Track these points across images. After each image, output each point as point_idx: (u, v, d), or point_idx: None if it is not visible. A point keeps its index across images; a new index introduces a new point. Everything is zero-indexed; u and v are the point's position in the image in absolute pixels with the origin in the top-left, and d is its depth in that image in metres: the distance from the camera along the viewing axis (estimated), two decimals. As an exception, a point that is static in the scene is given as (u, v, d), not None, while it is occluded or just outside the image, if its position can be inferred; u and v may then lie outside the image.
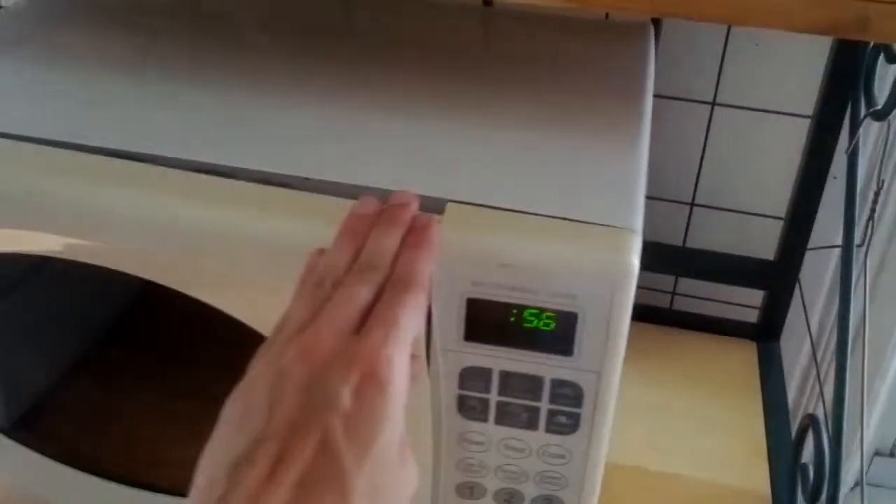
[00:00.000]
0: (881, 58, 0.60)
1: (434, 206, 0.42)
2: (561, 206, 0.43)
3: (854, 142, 0.60)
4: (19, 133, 0.47)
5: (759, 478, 0.69)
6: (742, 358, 0.81)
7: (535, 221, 0.42)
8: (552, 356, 0.43)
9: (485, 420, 0.46)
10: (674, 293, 0.88)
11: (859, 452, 0.69)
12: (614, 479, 0.61)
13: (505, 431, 0.46)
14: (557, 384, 0.44)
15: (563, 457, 0.47)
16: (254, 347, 0.37)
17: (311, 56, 0.57)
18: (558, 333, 0.43)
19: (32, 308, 0.56)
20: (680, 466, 0.70)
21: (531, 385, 0.45)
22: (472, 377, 0.45)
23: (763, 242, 0.81)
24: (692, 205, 0.84)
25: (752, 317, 0.85)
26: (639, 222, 0.43)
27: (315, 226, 0.42)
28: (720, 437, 0.72)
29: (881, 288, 0.81)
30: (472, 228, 0.42)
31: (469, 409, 0.46)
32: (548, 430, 0.46)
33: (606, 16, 0.65)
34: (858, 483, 0.62)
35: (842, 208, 0.66)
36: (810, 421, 0.61)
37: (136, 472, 0.57)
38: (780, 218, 0.80)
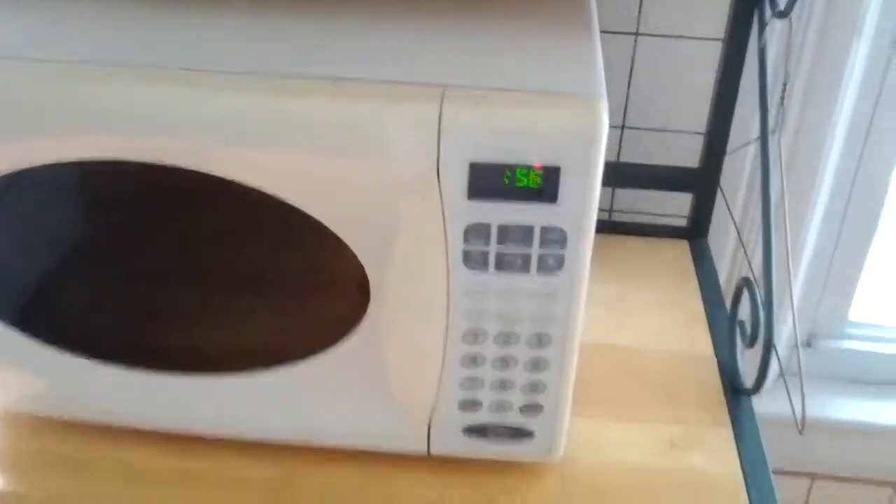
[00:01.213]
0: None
1: (436, 90, 0.52)
2: (541, 83, 0.53)
3: (762, 40, 0.72)
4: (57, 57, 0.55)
5: (702, 342, 0.80)
6: (677, 255, 0.93)
7: (522, 96, 0.52)
8: (541, 206, 0.53)
9: (486, 270, 0.56)
10: (611, 209, 1.00)
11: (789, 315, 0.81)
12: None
13: (503, 277, 0.56)
14: (545, 231, 0.54)
15: (551, 294, 0.57)
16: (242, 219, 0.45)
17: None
18: (545, 187, 0.53)
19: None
20: (632, 340, 0.81)
21: (524, 234, 0.55)
22: (475, 232, 0.55)
23: (688, 154, 0.93)
24: (622, 127, 0.95)
25: (682, 222, 0.96)
26: (603, 90, 0.53)
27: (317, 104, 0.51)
28: (664, 315, 0.84)
29: (796, 163, 0.93)
30: (470, 106, 0.52)
31: (473, 261, 0.56)
32: (539, 272, 0.56)
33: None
34: (795, 346, 0.73)
35: (751, 119, 0.78)
36: (745, 282, 0.73)
37: (139, 354, 0.65)
38: (700, 133, 0.92)
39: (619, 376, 0.77)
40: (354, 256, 0.57)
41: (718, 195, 0.93)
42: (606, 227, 0.97)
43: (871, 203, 1.00)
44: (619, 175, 0.95)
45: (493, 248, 0.55)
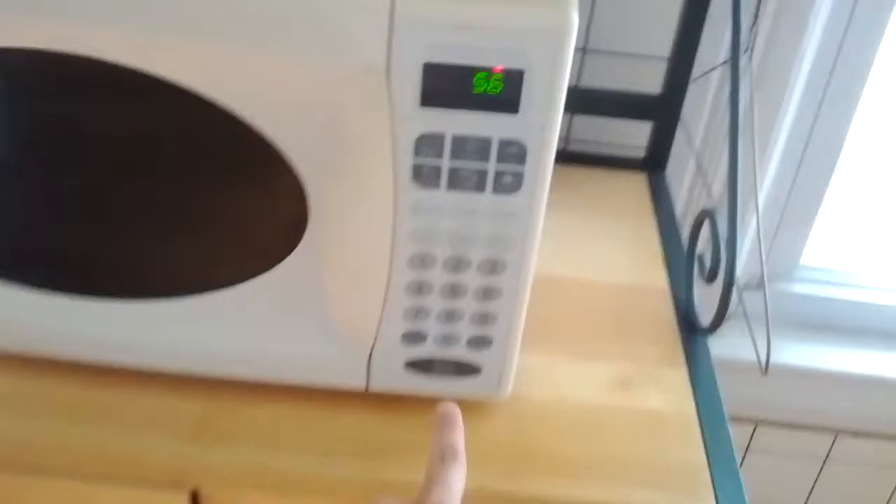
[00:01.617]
0: None
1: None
2: (505, -25, 0.47)
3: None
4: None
5: (657, 277, 0.76)
6: (634, 187, 0.88)
7: (485, -11, 0.46)
8: (501, 116, 0.48)
9: (437, 187, 0.51)
10: (568, 137, 0.95)
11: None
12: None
13: (456, 196, 0.51)
14: (504, 144, 0.49)
15: (507, 215, 0.51)
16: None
17: None
18: (506, 94, 0.47)
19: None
20: (587, 273, 0.76)
21: (480, 147, 0.49)
22: (427, 144, 0.49)
23: (650, 81, 0.88)
24: (584, 49, 0.89)
25: (640, 153, 0.92)
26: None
27: None
28: (618, 249, 0.80)
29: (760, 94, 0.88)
30: (427, 2, 0.46)
31: (423, 176, 0.50)
32: (494, 191, 0.51)
33: None
34: (762, 282, 0.69)
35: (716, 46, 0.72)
36: (706, 214, 0.69)
37: (47, 277, 0.58)
38: (664, 58, 0.87)
39: (569, 310, 0.73)
40: (292, 169, 0.51)
41: (679, 127, 0.88)
42: (562, 156, 0.91)
43: (831, 144, 0.96)
44: (577, 100, 0.90)
45: (446, 163, 0.50)
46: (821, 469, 1.17)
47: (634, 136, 0.92)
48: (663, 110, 0.87)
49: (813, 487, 1.19)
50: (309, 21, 0.46)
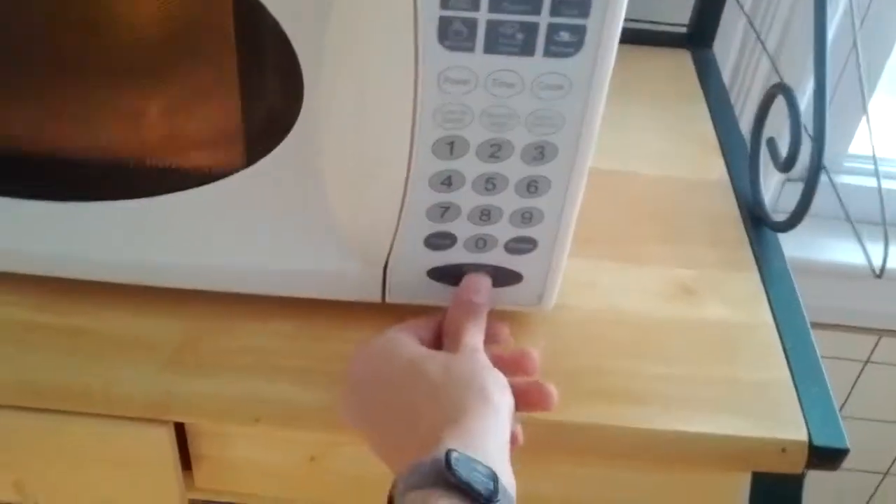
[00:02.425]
0: None
1: None
2: None
3: None
4: None
5: (714, 167, 0.66)
6: (677, 65, 0.77)
7: None
8: (556, -51, 0.36)
9: (471, 49, 0.39)
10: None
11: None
12: None
13: (495, 61, 0.40)
14: (560, -11, 0.38)
15: (560, 87, 0.41)
16: None
17: None
18: (563, -80, 0.36)
19: None
20: (631, 165, 0.66)
21: (528, -5, 0.38)
22: (458, -9, 0.38)
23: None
24: None
25: (682, 28, 0.80)
26: None
27: None
28: (666, 136, 0.69)
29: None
30: None
31: (453, 35, 0.39)
32: (546, 54, 0.39)
33: None
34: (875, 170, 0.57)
35: None
36: (779, 89, 0.58)
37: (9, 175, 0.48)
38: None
39: (615, 208, 0.62)
40: (281, 31, 0.40)
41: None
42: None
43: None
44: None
45: (482, 17, 0.38)
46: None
47: (673, 7, 0.80)
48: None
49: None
50: None
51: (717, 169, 0.66)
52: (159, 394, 0.48)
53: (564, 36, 0.39)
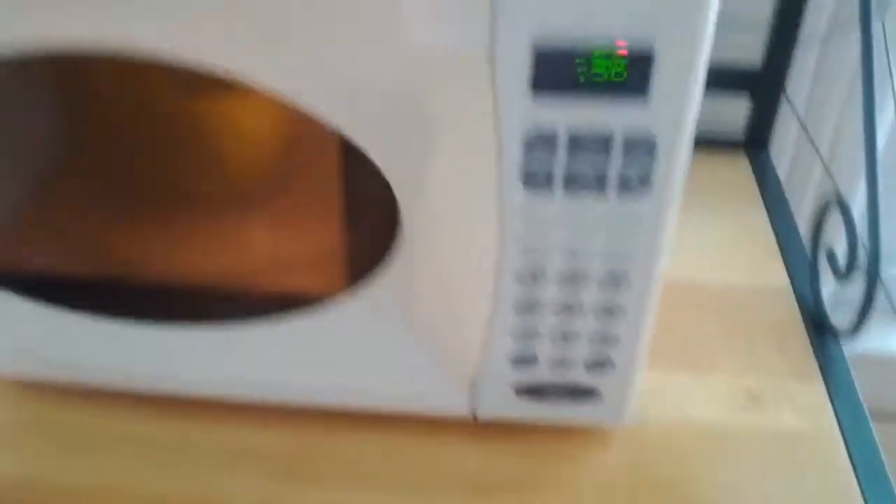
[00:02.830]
0: None
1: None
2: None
3: None
4: None
5: (775, 273, 0.68)
6: (734, 169, 0.80)
7: (603, -43, 0.39)
8: (626, 103, 0.40)
9: (550, 190, 0.43)
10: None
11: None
12: None
13: (572, 201, 0.44)
14: (630, 138, 0.41)
15: (633, 223, 0.44)
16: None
17: None
18: (632, 79, 0.40)
19: None
20: (694, 272, 0.69)
21: (601, 143, 0.42)
22: (538, 140, 0.42)
23: (747, 51, 0.80)
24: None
25: (739, 131, 0.84)
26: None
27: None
28: (728, 243, 0.72)
29: None
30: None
31: (534, 178, 0.43)
32: (619, 195, 0.43)
33: None
34: None
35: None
36: (834, 199, 0.61)
37: (123, 300, 0.53)
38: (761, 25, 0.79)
39: (680, 317, 0.65)
40: (380, 174, 0.44)
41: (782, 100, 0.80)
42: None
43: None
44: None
45: (560, 162, 0.42)
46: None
47: (729, 111, 0.84)
48: (764, 83, 0.78)
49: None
50: (404, 6, 0.39)
51: (778, 274, 0.68)
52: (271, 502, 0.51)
53: (634, 180, 0.43)
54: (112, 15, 0.41)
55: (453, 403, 0.52)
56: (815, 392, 0.59)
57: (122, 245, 0.52)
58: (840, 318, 0.62)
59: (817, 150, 0.81)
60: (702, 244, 0.72)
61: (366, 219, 0.47)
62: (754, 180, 0.79)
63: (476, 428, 0.54)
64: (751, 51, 0.79)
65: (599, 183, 0.43)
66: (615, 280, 0.46)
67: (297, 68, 0.41)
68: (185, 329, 0.52)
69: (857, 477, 0.53)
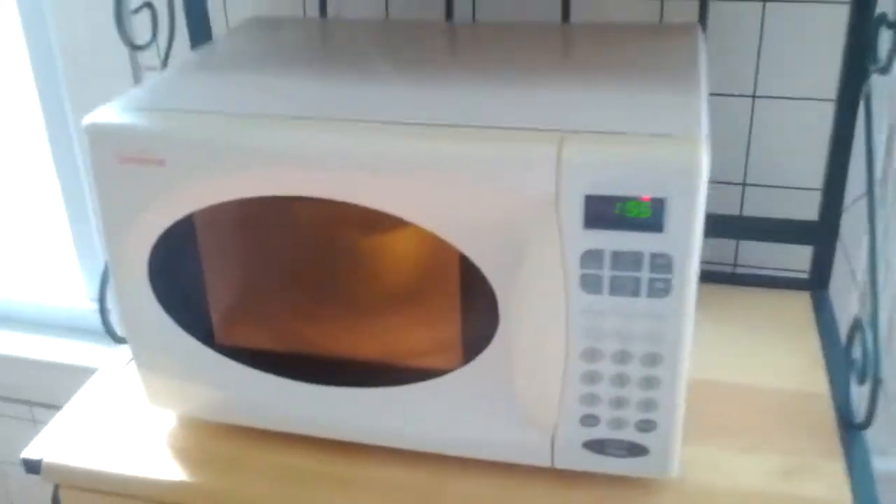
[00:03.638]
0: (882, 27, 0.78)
1: (557, 134, 0.61)
2: (649, 128, 0.61)
3: (865, 94, 0.77)
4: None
5: (819, 382, 0.84)
6: (799, 304, 0.96)
7: (632, 138, 0.60)
8: (650, 234, 0.61)
9: (600, 293, 0.63)
10: (735, 262, 1.05)
11: None
12: (700, 390, 0.80)
13: (616, 300, 0.63)
14: (654, 257, 0.61)
15: (660, 317, 0.63)
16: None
17: (434, 66, 0.77)
18: (653, 217, 0.60)
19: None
20: (754, 379, 0.85)
21: (634, 260, 0.62)
22: (591, 258, 0.62)
23: (808, 207, 0.98)
24: (744, 184, 1.01)
25: (804, 274, 1.00)
26: (703, 134, 0.60)
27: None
28: (785, 358, 0.88)
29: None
30: (587, 147, 0.60)
31: (589, 284, 0.63)
32: (649, 296, 0.63)
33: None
34: None
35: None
36: (856, 322, 0.77)
37: (301, 368, 0.75)
38: (817, 189, 0.96)
39: (738, 410, 0.81)
40: (487, 282, 0.66)
41: (839, 247, 0.96)
42: (731, 279, 1.02)
43: None
44: (741, 228, 1.00)
45: (606, 273, 0.63)
46: None
47: (797, 257, 1.01)
48: (821, 235, 0.95)
49: None
50: (502, 169, 0.61)
51: (822, 383, 0.84)
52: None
53: (659, 285, 0.62)
54: (306, 175, 0.65)
55: (538, 455, 0.71)
56: (837, 470, 0.73)
57: (308, 331, 0.75)
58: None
59: (872, 282, 0.97)
60: (764, 359, 0.88)
61: (475, 314, 0.68)
62: (813, 312, 0.95)
63: (555, 474, 0.72)
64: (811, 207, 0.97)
65: (635, 287, 0.63)
66: (652, 359, 0.65)
67: (437, 210, 0.64)
68: (344, 390, 0.74)
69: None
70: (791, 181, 0.99)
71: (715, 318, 0.94)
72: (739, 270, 1.05)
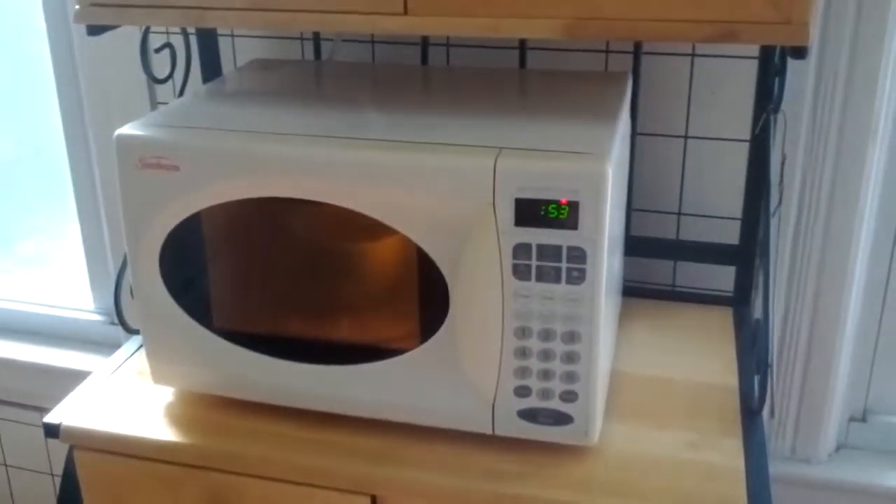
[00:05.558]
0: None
1: (494, 151, 0.76)
2: (572, 146, 0.76)
3: (759, 133, 0.93)
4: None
5: (730, 377, 0.98)
6: (722, 320, 1.10)
7: (557, 154, 0.76)
8: (567, 231, 0.75)
9: (529, 279, 0.78)
10: (674, 282, 1.19)
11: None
12: (627, 381, 0.94)
13: (542, 286, 0.78)
14: (570, 249, 0.76)
15: (577, 300, 0.77)
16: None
17: (409, 97, 0.92)
18: (570, 218, 0.75)
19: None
20: (673, 373, 0.98)
21: (555, 252, 0.76)
22: (521, 251, 0.77)
23: (733, 233, 1.12)
24: (679, 214, 1.16)
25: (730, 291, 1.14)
26: (615, 153, 0.75)
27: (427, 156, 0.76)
28: (704, 359, 1.01)
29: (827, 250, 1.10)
30: (519, 160, 0.75)
31: (519, 272, 0.78)
32: (567, 282, 0.77)
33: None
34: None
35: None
36: (755, 323, 0.91)
37: (285, 348, 0.89)
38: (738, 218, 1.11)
39: (657, 397, 0.95)
40: (439, 271, 0.80)
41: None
42: (670, 295, 1.16)
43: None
44: (677, 251, 1.15)
45: (534, 263, 0.77)
46: None
47: (726, 279, 1.15)
48: (743, 256, 1.10)
49: None
50: (451, 173, 0.76)
51: (731, 379, 0.97)
52: (362, 476, 0.84)
53: (575, 273, 0.77)
54: (295, 181, 0.80)
55: (480, 423, 0.85)
56: (736, 445, 0.87)
57: (290, 316, 0.89)
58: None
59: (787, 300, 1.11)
60: (685, 360, 1.02)
61: (430, 300, 0.83)
62: (733, 325, 1.09)
63: (497, 441, 0.85)
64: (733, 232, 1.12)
65: (556, 275, 0.77)
66: (571, 336, 0.79)
67: (400, 210, 0.79)
68: (321, 367, 0.88)
69: (748, 491, 0.81)
70: (718, 210, 1.14)
71: (650, 328, 1.08)
72: (678, 289, 1.19)
